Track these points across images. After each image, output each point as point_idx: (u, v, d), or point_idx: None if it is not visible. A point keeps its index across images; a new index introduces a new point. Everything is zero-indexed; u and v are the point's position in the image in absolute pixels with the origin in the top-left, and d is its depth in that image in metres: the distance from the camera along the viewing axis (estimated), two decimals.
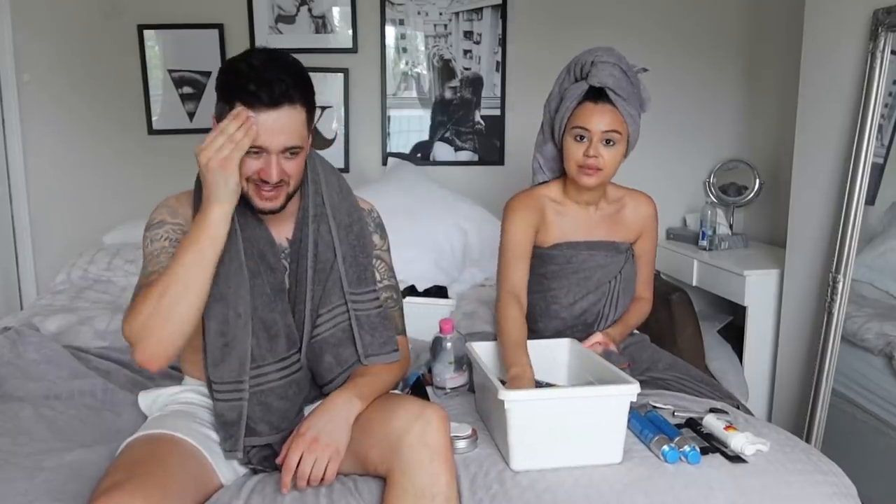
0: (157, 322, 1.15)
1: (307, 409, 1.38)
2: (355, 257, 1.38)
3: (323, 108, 2.91)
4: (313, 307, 1.35)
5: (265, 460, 1.30)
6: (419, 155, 3.03)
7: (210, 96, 2.88)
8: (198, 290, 1.17)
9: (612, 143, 1.64)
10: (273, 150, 1.21)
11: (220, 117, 1.21)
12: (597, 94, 1.64)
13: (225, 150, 1.15)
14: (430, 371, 1.67)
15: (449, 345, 1.60)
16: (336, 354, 1.36)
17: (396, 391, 1.49)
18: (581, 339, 1.69)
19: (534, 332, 1.82)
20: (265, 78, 1.17)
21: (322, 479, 1.18)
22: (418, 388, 1.60)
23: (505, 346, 1.55)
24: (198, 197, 1.30)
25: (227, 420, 1.27)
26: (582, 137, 1.65)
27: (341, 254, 1.37)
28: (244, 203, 1.27)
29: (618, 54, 1.67)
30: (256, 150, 1.20)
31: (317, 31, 2.91)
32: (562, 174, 1.78)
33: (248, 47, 2.83)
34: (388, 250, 1.49)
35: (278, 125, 1.19)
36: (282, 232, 1.36)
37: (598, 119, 1.63)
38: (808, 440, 2.11)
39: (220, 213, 1.18)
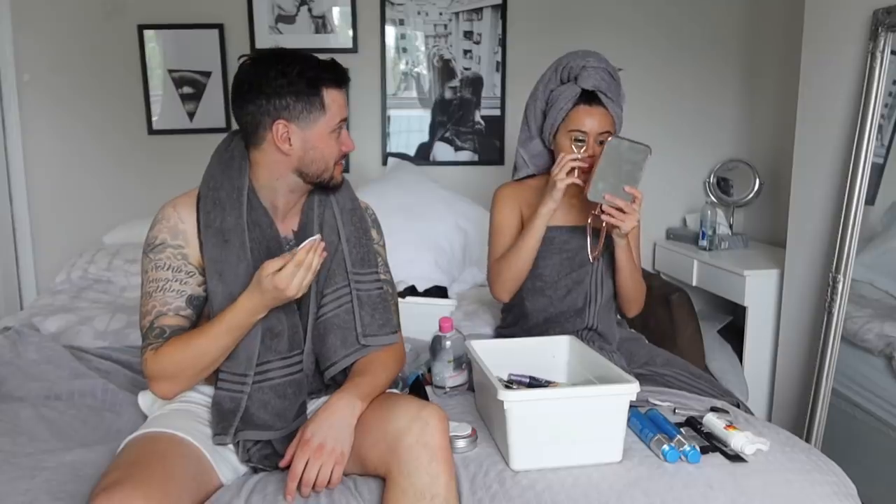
0: (184, 377, 1.28)
1: (311, 405, 1.40)
2: (359, 238, 1.42)
3: None
4: (318, 289, 1.38)
5: (266, 459, 1.30)
6: (418, 154, 3.03)
7: (210, 96, 2.89)
8: (224, 357, 1.29)
9: (604, 143, 1.71)
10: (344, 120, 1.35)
11: (302, 112, 1.29)
12: (589, 98, 1.73)
13: (302, 277, 1.22)
14: (429, 371, 1.67)
15: (448, 343, 1.60)
16: (342, 336, 1.38)
17: (395, 390, 1.49)
18: (570, 331, 1.73)
19: (523, 312, 1.86)
20: (331, 62, 1.33)
21: (328, 483, 1.19)
22: (417, 387, 1.60)
23: (515, 246, 1.76)
24: (211, 199, 1.31)
25: (224, 409, 1.29)
26: (579, 140, 1.73)
27: (345, 235, 1.41)
28: (254, 203, 1.33)
29: (603, 57, 1.76)
30: (341, 125, 1.34)
31: (317, 31, 2.91)
32: (547, 170, 1.83)
33: (249, 47, 2.86)
34: (384, 246, 1.52)
35: (345, 98, 1.35)
36: (288, 226, 1.39)
37: (593, 121, 1.72)
38: (808, 440, 2.11)
39: (265, 312, 1.26)
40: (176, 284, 1.30)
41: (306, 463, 1.18)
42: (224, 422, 1.29)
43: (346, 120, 1.35)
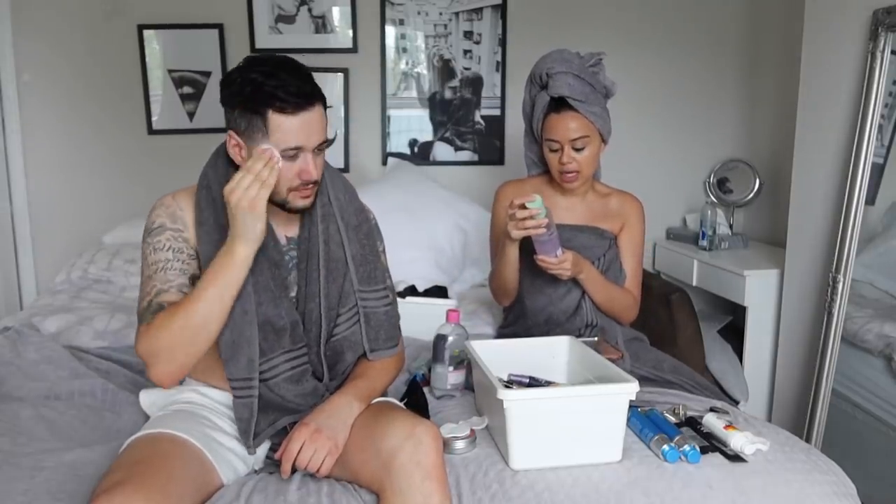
0: (178, 350, 1.20)
1: None
2: (364, 256, 1.41)
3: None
4: (330, 305, 1.37)
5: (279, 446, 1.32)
6: (418, 153, 3.03)
7: (210, 96, 2.88)
8: (218, 321, 1.22)
9: (582, 148, 1.75)
10: (309, 149, 1.25)
11: (245, 130, 1.23)
12: (558, 104, 1.74)
13: (253, 189, 1.18)
14: (430, 370, 1.67)
15: (452, 339, 1.60)
16: (357, 352, 1.41)
17: (392, 399, 1.50)
18: (571, 330, 1.75)
19: (522, 311, 1.87)
20: (291, 81, 1.21)
21: (318, 470, 1.22)
22: (415, 389, 1.59)
23: (496, 260, 1.80)
24: (204, 197, 1.31)
25: (243, 418, 1.29)
26: (554, 149, 1.76)
27: (351, 253, 1.40)
28: None
29: (569, 58, 1.76)
30: (293, 153, 1.24)
31: (317, 31, 2.91)
32: None
33: (249, 47, 2.86)
34: (385, 252, 1.52)
35: (311, 123, 1.24)
36: (285, 230, 1.38)
37: (564, 129, 1.74)
38: (808, 440, 2.10)
39: (247, 254, 1.21)
40: (178, 264, 1.28)
41: (303, 446, 1.21)
42: (246, 432, 1.29)
43: (300, 148, 1.24)
